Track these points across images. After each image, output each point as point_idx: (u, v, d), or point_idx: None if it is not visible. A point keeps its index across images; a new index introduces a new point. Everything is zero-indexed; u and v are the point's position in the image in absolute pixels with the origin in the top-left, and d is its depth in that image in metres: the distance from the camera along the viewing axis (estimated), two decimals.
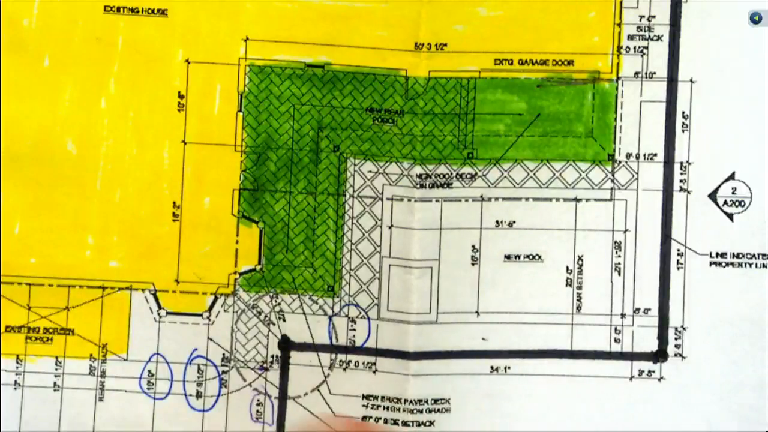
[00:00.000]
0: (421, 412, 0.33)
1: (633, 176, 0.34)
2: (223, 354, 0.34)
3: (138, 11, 0.34)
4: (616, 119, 0.34)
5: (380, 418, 0.33)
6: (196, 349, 0.34)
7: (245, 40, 0.34)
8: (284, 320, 0.34)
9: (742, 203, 0.33)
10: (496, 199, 0.34)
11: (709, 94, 0.33)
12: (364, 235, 0.34)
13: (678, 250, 0.33)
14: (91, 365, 0.34)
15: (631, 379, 0.33)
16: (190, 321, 0.34)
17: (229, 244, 0.34)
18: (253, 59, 0.34)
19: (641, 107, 0.34)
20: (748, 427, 0.33)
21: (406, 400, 0.33)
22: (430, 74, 0.34)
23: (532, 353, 0.33)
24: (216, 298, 0.34)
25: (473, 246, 0.34)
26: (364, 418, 0.33)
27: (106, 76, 0.34)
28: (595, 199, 0.34)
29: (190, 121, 0.34)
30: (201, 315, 0.34)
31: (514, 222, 0.34)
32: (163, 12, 0.34)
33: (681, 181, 0.33)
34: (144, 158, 0.34)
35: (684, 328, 0.33)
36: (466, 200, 0.34)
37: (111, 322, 0.34)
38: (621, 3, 0.34)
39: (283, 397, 0.34)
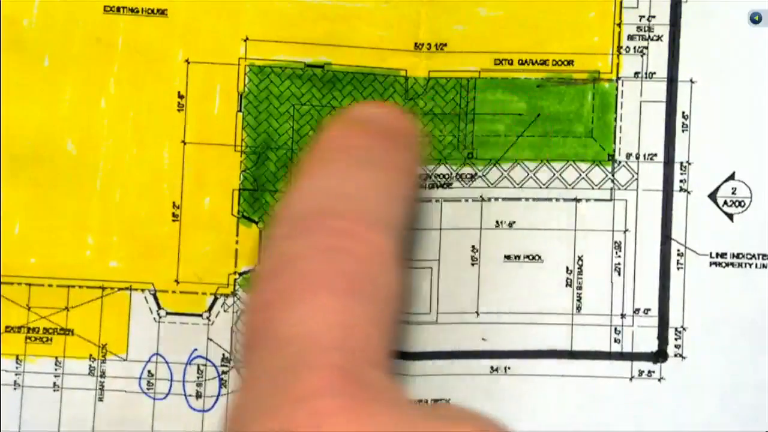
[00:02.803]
0: None
1: (633, 176, 0.33)
2: (223, 354, 0.34)
3: (138, 11, 0.34)
4: (616, 119, 0.34)
5: None
6: (196, 349, 0.34)
7: (245, 40, 0.34)
8: None
9: (742, 203, 0.33)
10: (496, 199, 0.34)
11: (709, 94, 0.33)
12: None
13: (678, 250, 0.33)
14: (90, 365, 0.34)
15: (631, 379, 0.33)
16: (190, 321, 0.34)
17: (229, 244, 0.34)
18: (253, 59, 0.34)
19: (641, 107, 0.34)
20: (749, 427, 0.33)
21: None
22: (430, 74, 0.34)
23: (532, 353, 0.33)
24: (216, 299, 0.34)
25: (473, 246, 0.34)
26: None
27: (106, 76, 0.34)
28: (595, 200, 0.34)
29: (190, 121, 0.34)
30: (201, 315, 0.34)
31: (514, 222, 0.34)
32: (163, 12, 0.34)
33: (681, 181, 0.33)
34: (144, 158, 0.34)
35: (684, 329, 0.33)
36: (466, 200, 0.34)
37: (111, 322, 0.34)
38: (621, 3, 0.34)
39: None
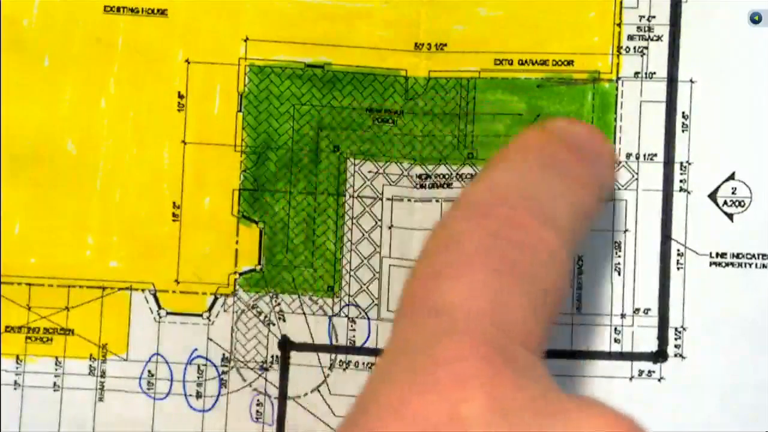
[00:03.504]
0: None
1: (633, 176, 0.33)
2: (223, 354, 0.34)
3: (138, 11, 0.34)
4: (616, 119, 0.34)
5: None
6: (196, 349, 0.34)
7: (245, 40, 0.34)
8: (284, 320, 0.34)
9: (742, 203, 0.33)
10: None
11: (709, 94, 0.33)
12: (364, 235, 0.34)
13: (678, 250, 0.33)
14: (90, 365, 0.34)
15: (630, 379, 0.33)
16: (190, 321, 0.34)
17: (229, 244, 0.34)
18: (253, 59, 0.34)
19: (641, 107, 0.34)
20: (749, 427, 0.33)
21: None
22: (430, 74, 0.34)
23: None
24: (216, 299, 0.34)
25: None
26: None
27: (106, 76, 0.34)
28: None
29: (190, 121, 0.34)
30: (201, 315, 0.34)
31: None
32: (163, 12, 0.34)
33: (681, 181, 0.33)
34: (144, 158, 0.34)
35: (684, 329, 0.33)
36: None
37: (111, 322, 0.34)
38: (621, 3, 0.34)
39: (283, 397, 0.34)
